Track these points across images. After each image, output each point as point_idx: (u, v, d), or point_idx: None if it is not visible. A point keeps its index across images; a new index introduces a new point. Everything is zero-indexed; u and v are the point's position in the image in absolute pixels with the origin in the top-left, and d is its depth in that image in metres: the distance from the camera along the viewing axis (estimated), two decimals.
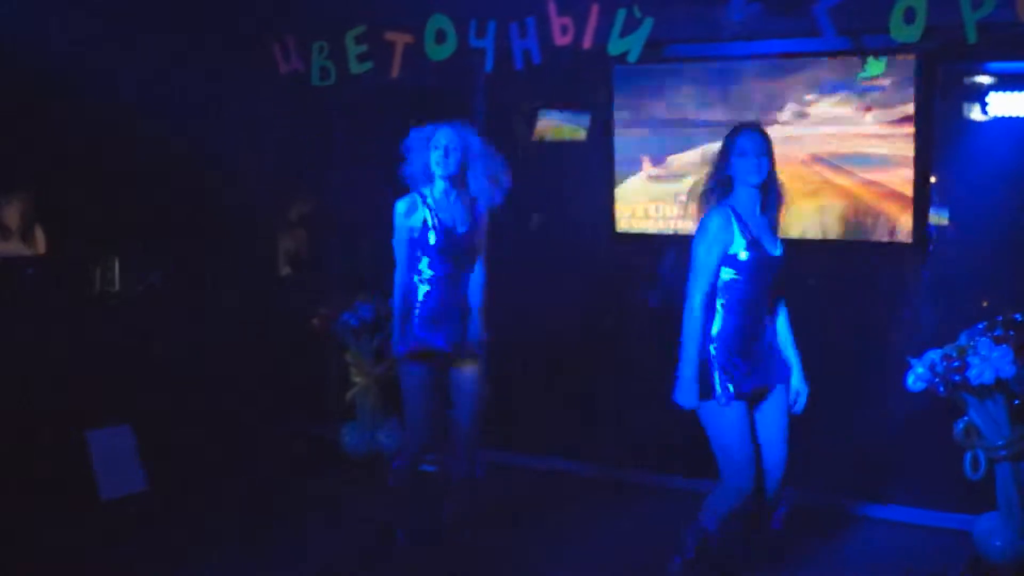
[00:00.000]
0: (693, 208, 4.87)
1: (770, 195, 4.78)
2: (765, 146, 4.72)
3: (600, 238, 7.32)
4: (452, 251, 5.34)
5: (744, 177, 4.71)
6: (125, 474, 6.38)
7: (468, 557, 5.50)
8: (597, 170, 6.97)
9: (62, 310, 6.61)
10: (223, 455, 6.88)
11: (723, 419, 4.74)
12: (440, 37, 6.78)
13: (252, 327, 7.61)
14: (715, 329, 4.74)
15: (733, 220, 4.68)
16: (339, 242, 7.77)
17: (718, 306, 4.75)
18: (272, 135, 7.89)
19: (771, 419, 4.85)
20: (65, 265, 6.87)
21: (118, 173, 7.17)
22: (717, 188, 4.78)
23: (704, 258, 4.68)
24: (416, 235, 5.33)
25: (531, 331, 7.51)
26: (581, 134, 8.59)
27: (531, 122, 8.50)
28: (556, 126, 8.48)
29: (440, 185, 5.35)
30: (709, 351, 4.73)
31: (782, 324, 4.94)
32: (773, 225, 4.83)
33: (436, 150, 5.27)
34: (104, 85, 6.87)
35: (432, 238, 5.30)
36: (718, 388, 4.69)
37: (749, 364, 4.74)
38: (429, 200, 5.34)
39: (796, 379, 4.91)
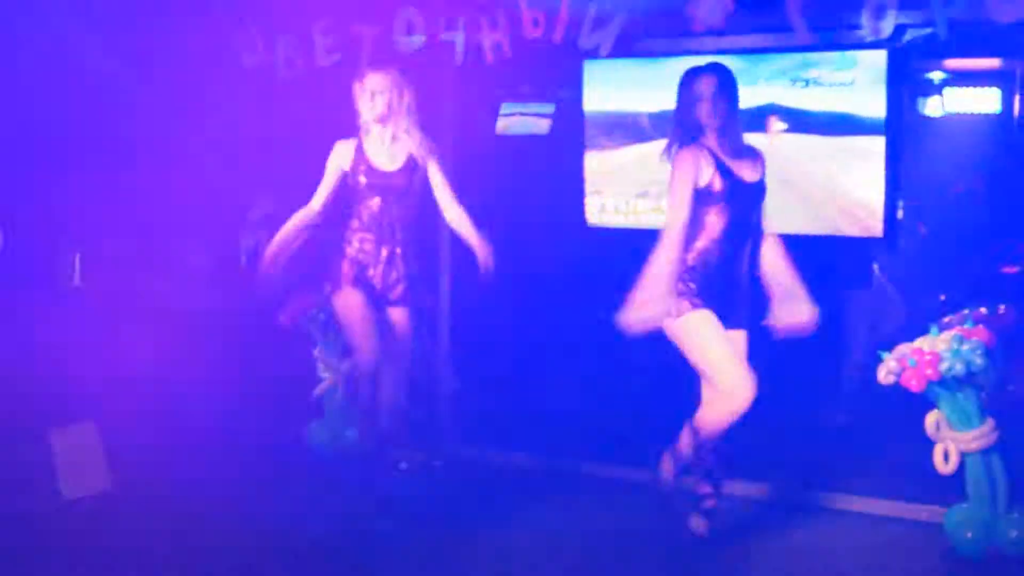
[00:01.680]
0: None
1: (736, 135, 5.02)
2: (719, 87, 4.93)
3: (571, 232, 7.33)
4: (383, 191, 5.66)
5: (705, 121, 4.94)
6: (89, 473, 6.26)
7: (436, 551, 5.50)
8: (568, 164, 6.95)
9: (22, 305, 6.49)
10: (188, 453, 6.80)
11: (690, 324, 4.97)
12: (409, 29, 6.74)
13: (217, 322, 7.52)
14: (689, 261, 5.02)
15: (703, 154, 4.93)
16: (306, 236, 7.67)
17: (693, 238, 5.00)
18: (235, 126, 7.80)
19: None
20: (24, 260, 6.74)
21: (77, 167, 7.07)
22: (682, 131, 5.02)
23: (678, 189, 4.89)
24: (349, 177, 5.71)
25: (502, 326, 7.54)
26: (545, 128, 8.63)
27: (497, 115, 8.52)
28: (522, 120, 8.51)
29: (374, 129, 5.65)
30: (681, 282, 4.99)
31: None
32: (751, 158, 5.05)
33: (363, 94, 5.65)
34: (60, 76, 6.78)
35: (362, 179, 5.65)
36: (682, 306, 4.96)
37: (718, 298, 5.00)
38: (365, 143, 5.70)
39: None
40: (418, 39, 6.70)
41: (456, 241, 6.54)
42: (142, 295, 7.12)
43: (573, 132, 6.85)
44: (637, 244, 6.74)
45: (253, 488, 6.45)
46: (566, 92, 7.27)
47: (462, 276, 6.57)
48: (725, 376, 4.99)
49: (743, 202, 4.97)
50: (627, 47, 6.45)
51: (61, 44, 6.61)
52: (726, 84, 4.97)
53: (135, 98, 7.04)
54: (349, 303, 5.74)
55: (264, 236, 8.06)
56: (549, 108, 8.51)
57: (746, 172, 5.00)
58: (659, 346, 5.24)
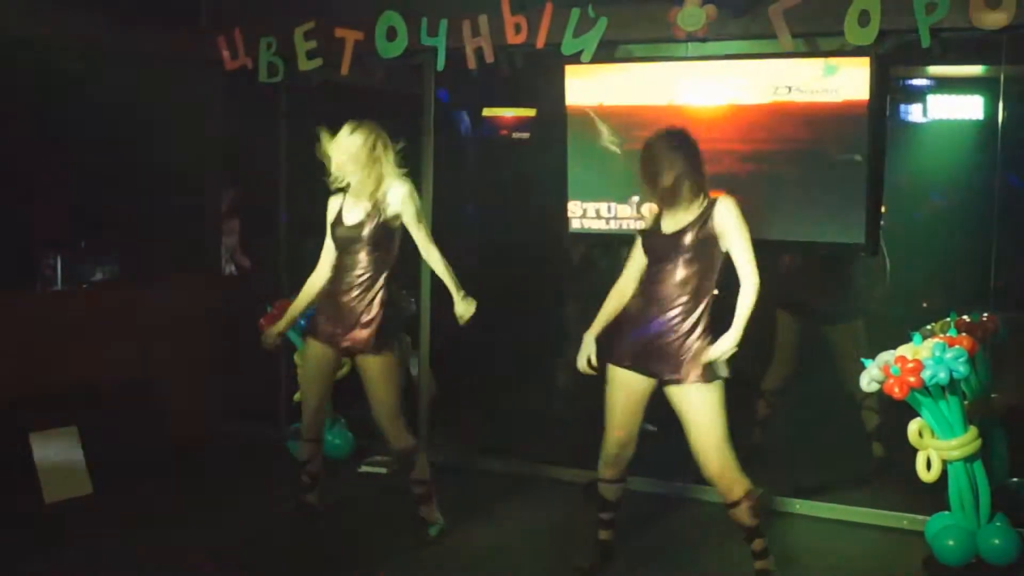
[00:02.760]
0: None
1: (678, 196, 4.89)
2: (666, 153, 4.86)
3: (554, 238, 7.32)
4: (342, 245, 5.50)
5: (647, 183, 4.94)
6: (70, 477, 6.25)
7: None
8: (550, 171, 6.93)
9: (3, 309, 6.46)
10: (169, 457, 6.78)
11: (608, 374, 5.09)
12: (391, 34, 6.73)
13: (197, 327, 7.50)
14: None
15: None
16: (286, 241, 7.66)
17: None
18: (218, 131, 7.79)
19: (683, 415, 4.96)
20: (5, 263, 6.71)
21: (58, 169, 7.05)
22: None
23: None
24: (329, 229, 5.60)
25: (483, 333, 7.50)
26: (526, 133, 8.64)
27: (478, 120, 8.52)
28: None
29: (355, 181, 5.49)
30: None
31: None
32: (688, 219, 4.90)
33: (337, 151, 5.44)
34: (42, 79, 6.76)
35: (332, 231, 5.54)
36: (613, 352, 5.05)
37: (638, 345, 4.96)
38: (343, 196, 5.54)
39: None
40: (400, 44, 6.70)
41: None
42: (122, 297, 7.08)
43: (555, 137, 6.80)
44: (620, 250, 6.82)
45: (233, 492, 6.46)
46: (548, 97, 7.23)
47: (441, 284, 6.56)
48: (606, 435, 5.16)
49: (661, 252, 4.93)
50: (609, 53, 6.44)
51: (35, 47, 6.57)
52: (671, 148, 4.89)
53: (114, 99, 7.01)
54: (308, 354, 5.71)
55: (237, 227, 8.13)
56: (530, 112, 8.52)
57: (668, 223, 4.94)
58: None
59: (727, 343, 4.80)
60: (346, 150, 5.38)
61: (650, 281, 4.97)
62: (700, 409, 4.87)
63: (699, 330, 4.88)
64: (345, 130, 5.42)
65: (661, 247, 4.93)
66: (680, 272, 4.88)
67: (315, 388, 5.68)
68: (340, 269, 5.52)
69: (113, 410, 6.65)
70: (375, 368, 5.50)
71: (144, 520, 5.94)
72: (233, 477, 6.72)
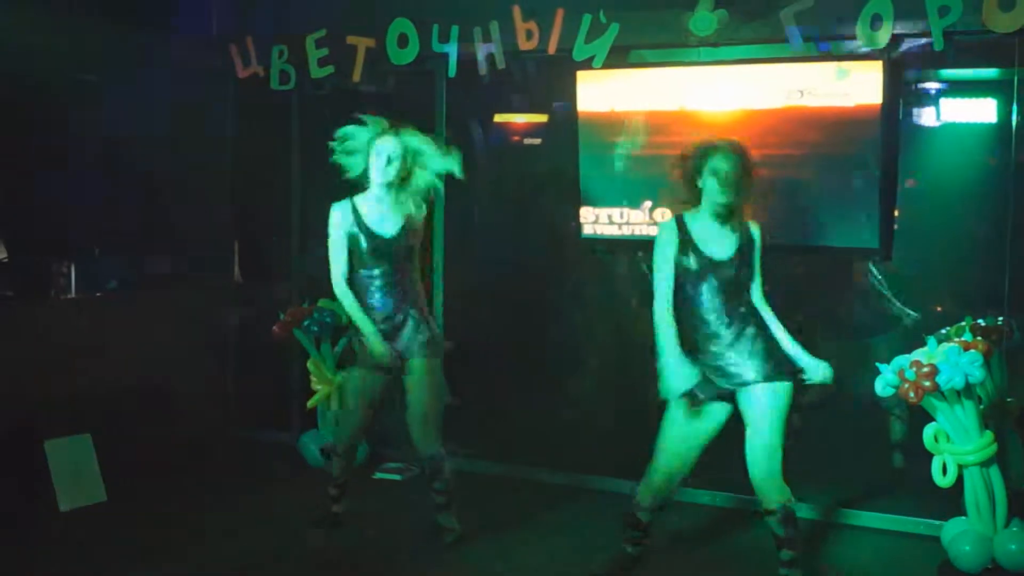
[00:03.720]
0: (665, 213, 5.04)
1: (736, 210, 4.92)
2: (739, 166, 4.85)
3: (566, 243, 7.32)
4: (381, 254, 5.46)
5: (713, 196, 4.87)
6: (85, 485, 6.26)
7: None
8: (562, 175, 6.92)
9: (18, 317, 6.47)
10: (183, 464, 6.79)
11: (665, 414, 5.01)
12: (402, 41, 6.74)
13: (211, 333, 7.51)
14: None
15: (676, 231, 4.94)
16: (299, 247, 7.66)
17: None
18: (230, 137, 7.79)
19: (747, 420, 4.92)
20: (20, 271, 6.73)
21: (70, 177, 7.07)
22: (688, 200, 4.98)
23: (658, 264, 4.96)
24: (350, 240, 5.48)
25: (497, 337, 7.52)
26: (537, 139, 8.63)
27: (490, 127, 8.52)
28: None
29: (376, 191, 5.47)
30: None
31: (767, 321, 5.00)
32: (734, 231, 4.94)
33: (379, 157, 5.41)
34: (52, 87, 6.78)
35: (362, 242, 5.45)
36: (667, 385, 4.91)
37: (702, 365, 4.91)
38: (360, 204, 5.49)
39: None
40: (411, 51, 6.71)
41: (449, 259, 6.59)
42: (136, 304, 7.10)
43: (567, 143, 6.79)
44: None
45: (247, 497, 6.47)
46: (560, 103, 7.24)
47: (456, 291, 6.60)
48: (657, 465, 5.10)
49: (712, 279, 4.92)
50: (621, 58, 6.43)
51: (51, 56, 6.58)
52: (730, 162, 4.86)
53: (128, 107, 7.04)
54: (356, 382, 5.64)
55: (262, 243, 8.14)
56: (542, 118, 8.51)
57: (719, 249, 4.94)
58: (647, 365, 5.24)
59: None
60: (403, 153, 5.44)
61: (702, 301, 4.94)
62: (766, 409, 4.87)
63: (763, 330, 4.95)
64: (395, 137, 5.44)
65: (714, 273, 4.91)
66: (733, 286, 4.93)
67: (364, 413, 5.64)
68: (379, 279, 5.50)
69: (127, 416, 6.66)
70: (421, 370, 5.50)
71: (155, 524, 5.95)
72: (246, 482, 6.72)
